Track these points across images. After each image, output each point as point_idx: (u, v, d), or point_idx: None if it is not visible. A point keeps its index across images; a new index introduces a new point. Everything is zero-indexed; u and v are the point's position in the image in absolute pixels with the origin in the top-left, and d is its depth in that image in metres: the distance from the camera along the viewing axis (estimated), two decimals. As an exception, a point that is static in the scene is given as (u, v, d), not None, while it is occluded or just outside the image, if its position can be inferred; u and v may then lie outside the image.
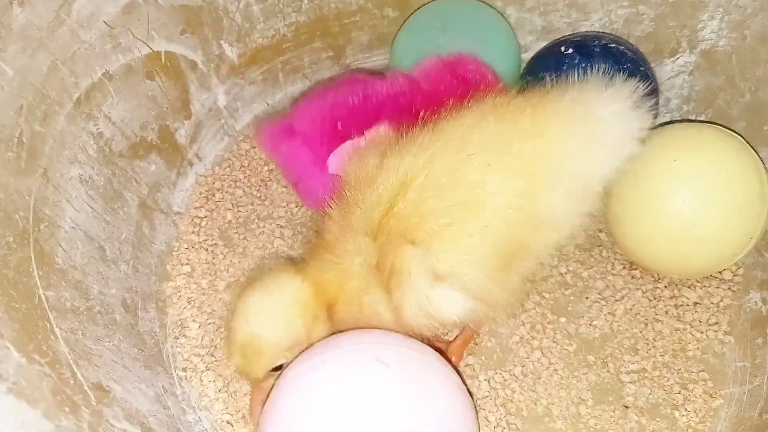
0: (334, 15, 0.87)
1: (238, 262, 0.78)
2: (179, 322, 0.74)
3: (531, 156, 0.55)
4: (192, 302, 0.75)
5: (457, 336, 0.70)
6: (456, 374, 0.58)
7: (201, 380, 0.70)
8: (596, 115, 0.57)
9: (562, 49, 0.77)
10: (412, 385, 0.53)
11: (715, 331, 0.72)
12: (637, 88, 0.59)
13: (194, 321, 0.73)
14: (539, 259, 0.60)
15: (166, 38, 0.75)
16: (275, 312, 0.58)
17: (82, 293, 0.62)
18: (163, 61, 0.76)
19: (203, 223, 0.81)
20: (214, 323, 0.74)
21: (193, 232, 0.80)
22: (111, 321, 0.65)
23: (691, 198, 0.66)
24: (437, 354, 0.59)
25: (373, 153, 0.61)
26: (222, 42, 0.82)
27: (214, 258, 0.78)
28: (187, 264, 0.78)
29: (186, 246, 0.79)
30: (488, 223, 0.54)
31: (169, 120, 0.79)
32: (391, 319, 0.58)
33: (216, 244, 0.79)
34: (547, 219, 0.56)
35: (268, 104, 0.91)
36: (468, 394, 0.58)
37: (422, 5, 0.85)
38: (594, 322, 0.73)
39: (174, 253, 0.79)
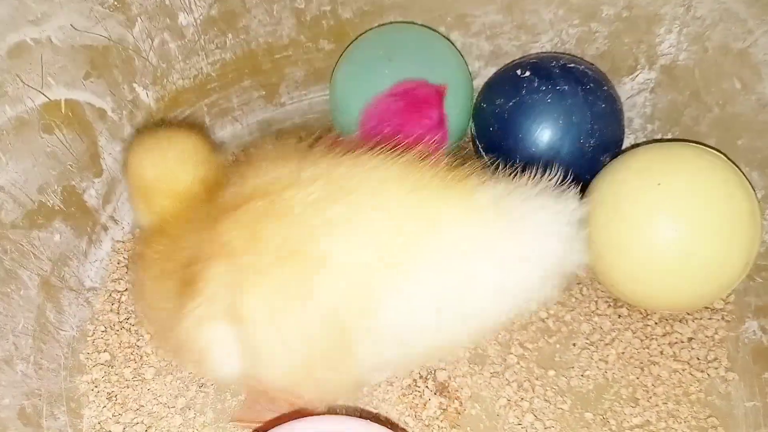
0: (263, 50, 0.79)
1: (169, 342, 0.66)
2: (98, 426, 0.60)
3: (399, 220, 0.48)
4: (113, 398, 0.62)
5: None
6: None
7: (130, 496, 0.57)
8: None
9: (519, 72, 0.71)
10: None
11: (716, 368, 0.65)
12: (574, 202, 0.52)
13: (117, 422, 0.60)
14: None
15: (66, 84, 0.64)
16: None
17: (-36, 408, 0.49)
18: (63, 111, 0.65)
19: (123, 298, 0.69)
20: (142, 422, 0.61)
21: (111, 311, 0.68)
22: (5, 439, 0.52)
23: (680, 225, 0.60)
24: None
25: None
26: (135, 85, 0.71)
27: (138, 340, 0.66)
28: (105, 351, 0.65)
29: (103, 328, 0.67)
30: (323, 282, 0.46)
31: (75, 179, 0.67)
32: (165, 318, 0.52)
33: (140, 322, 0.67)
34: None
35: (194, 153, 0.80)
36: None
37: (360, 34, 0.78)
38: (586, 372, 0.65)
39: (89, 338, 0.66)
